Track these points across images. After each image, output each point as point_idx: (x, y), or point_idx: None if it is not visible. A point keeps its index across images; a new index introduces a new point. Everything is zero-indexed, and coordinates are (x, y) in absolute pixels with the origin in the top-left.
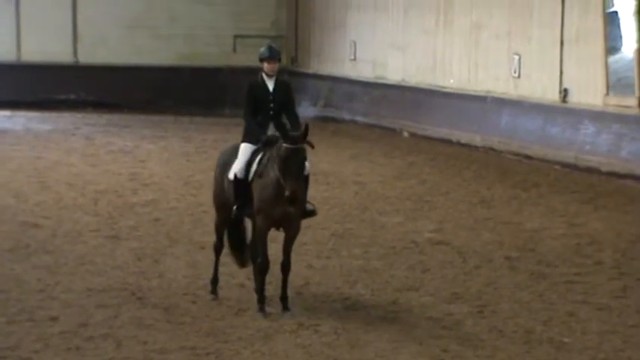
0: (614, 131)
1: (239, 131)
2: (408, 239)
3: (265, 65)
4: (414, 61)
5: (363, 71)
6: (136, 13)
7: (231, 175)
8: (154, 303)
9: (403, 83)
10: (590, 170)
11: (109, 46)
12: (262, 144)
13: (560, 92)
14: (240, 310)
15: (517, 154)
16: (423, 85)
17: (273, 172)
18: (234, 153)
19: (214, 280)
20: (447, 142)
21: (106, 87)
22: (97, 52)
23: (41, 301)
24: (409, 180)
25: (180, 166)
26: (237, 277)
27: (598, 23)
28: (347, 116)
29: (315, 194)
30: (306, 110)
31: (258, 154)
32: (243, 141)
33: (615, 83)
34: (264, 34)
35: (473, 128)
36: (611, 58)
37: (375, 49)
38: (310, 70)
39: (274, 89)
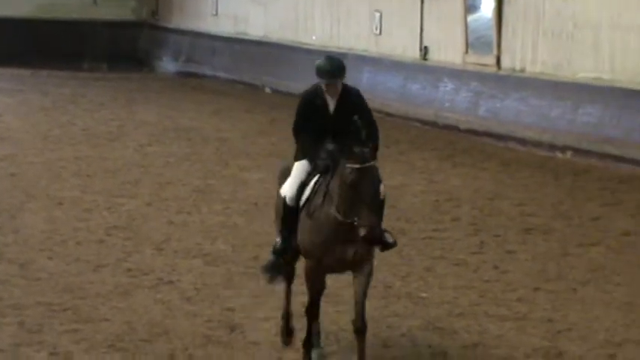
0: (472, 89)
1: (98, 85)
2: (270, 195)
3: (324, 86)
4: (276, 16)
5: (224, 26)
6: None
7: (283, 192)
8: (10, 258)
9: (265, 39)
10: (450, 127)
11: None
12: (319, 166)
13: (420, 50)
14: (98, 267)
15: (378, 112)
16: (284, 42)
17: (329, 207)
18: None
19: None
20: None
21: None
22: None
23: None
24: (271, 136)
25: (38, 120)
26: (95, 232)
27: None
28: (208, 72)
29: (176, 150)
30: (167, 66)
31: (313, 176)
32: (296, 159)
33: (474, 41)
34: None
35: None
36: (471, 17)
37: (236, 5)
38: (171, 25)
39: (336, 109)
